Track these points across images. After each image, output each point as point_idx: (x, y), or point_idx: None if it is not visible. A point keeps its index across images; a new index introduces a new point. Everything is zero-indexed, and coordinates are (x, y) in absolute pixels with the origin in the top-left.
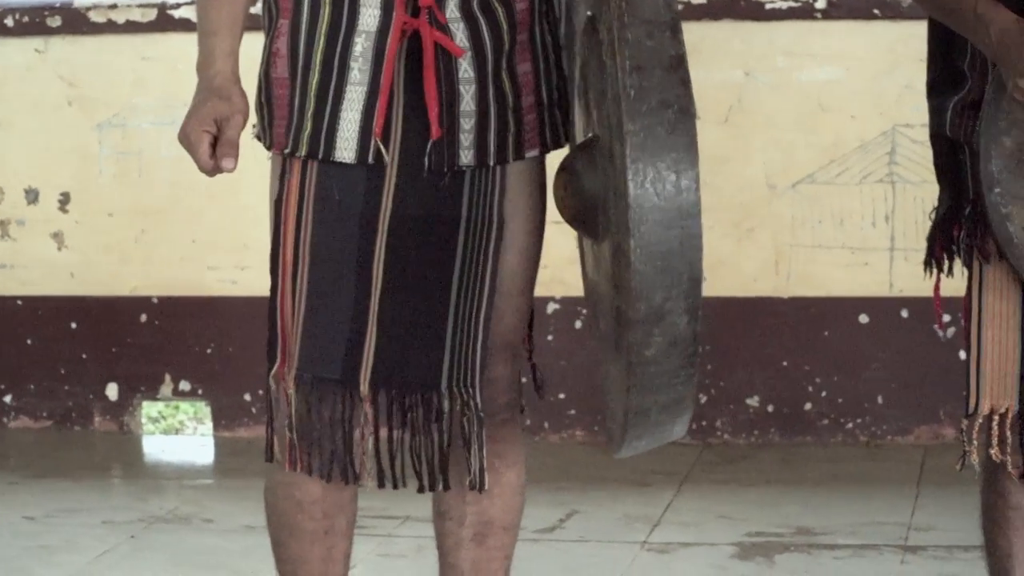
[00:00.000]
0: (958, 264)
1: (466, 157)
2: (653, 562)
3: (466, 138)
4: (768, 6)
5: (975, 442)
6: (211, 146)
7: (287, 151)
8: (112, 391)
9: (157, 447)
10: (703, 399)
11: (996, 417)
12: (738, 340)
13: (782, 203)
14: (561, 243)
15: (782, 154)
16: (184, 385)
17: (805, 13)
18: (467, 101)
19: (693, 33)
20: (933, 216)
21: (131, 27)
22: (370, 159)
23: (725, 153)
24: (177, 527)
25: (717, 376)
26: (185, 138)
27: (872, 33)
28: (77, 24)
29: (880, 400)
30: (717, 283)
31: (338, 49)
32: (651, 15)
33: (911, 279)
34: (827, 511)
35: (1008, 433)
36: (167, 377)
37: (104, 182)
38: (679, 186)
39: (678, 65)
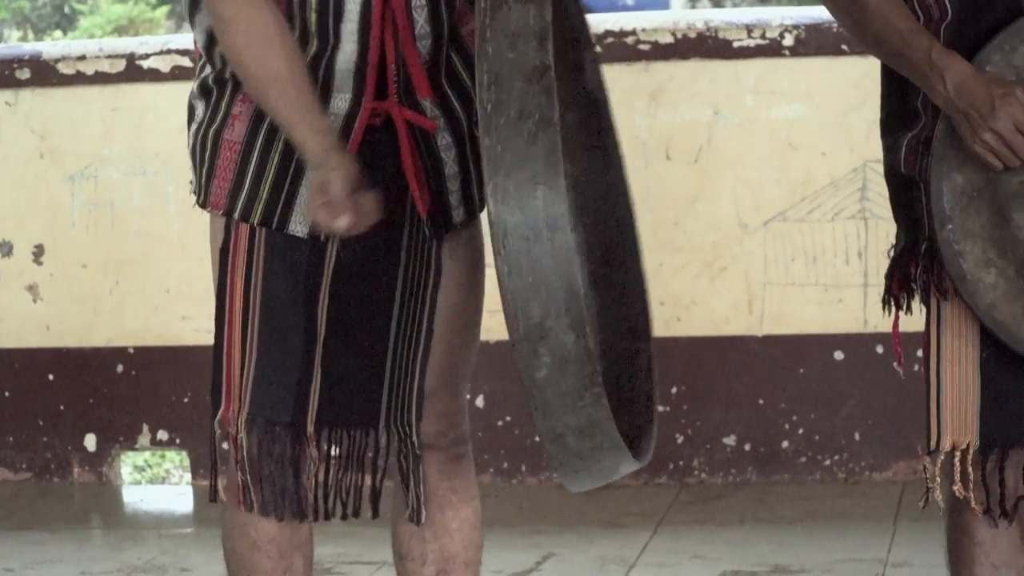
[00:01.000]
0: (917, 301)
1: (457, 216)
2: None
3: (455, 198)
4: (736, 44)
5: (938, 479)
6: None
7: (235, 215)
8: (90, 442)
9: (136, 497)
10: (679, 439)
11: (958, 453)
12: (713, 380)
13: (754, 242)
14: None
15: (753, 192)
16: (162, 435)
17: (772, 50)
18: (450, 165)
19: (661, 73)
20: (891, 253)
21: (100, 78)
22: (322, 237)
23: (695, 193)
24: None
25: (693, 416)
26: (313, 215)
27: (840, 69)
28: (46, 76)
29: (857, 436)
30: (690, 323)
31: None
32: (516, 26)
33: (886, 315)
34: (803, 549)
35: (970, 469)
36: (144, 427)
37: (77, 234)
38: (543, 198)
39: (541, 75)
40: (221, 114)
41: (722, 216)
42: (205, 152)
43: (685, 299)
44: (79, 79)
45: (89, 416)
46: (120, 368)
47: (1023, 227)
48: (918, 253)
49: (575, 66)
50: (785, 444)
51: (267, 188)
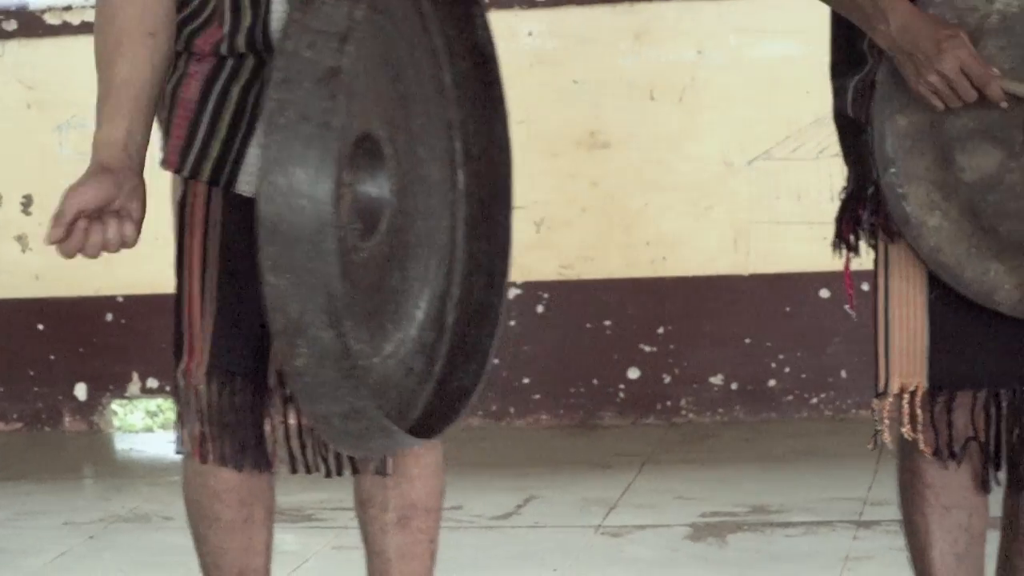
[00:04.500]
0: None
1: None
2: (606, 546)
3: None
4: None
5: (887, 421)
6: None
7: (185, 174)
8: (81, 391)
9: (127, 445)
10: (667, 379)
11: (906, 396)
12: (699, 319)
13: (739, 180)
14: (520, 228)
15: (737, 131)
16: (152, 383)
17: None
18: None
19: (644, 14)
20: (841, 196)
21: (86, 28)
22: None
23: (680, 132)
24: (136, 526)
25: (680, 355)
26: None
27: (823, 7)
28: (33, 27)
29: (844, 374)
30: (676, 262)
31: (257, 85)
32: (323, 24)
33: (836, 258)
34: (786, 488)
35: (919, 411)
36: (135, 375)
37: (66, 183)
38: (310, 200)
39: (332, 77)
40: (179, 72)
41: (707, 155)
42: (163, 111)
43: (671, 239)
44: (65, 29)
45: (79, 365)
46: (110, 317)
47: (966, 169)
48: (866, 196)
49: (464, 18)
50: (772, 382)
51: (217, 147)
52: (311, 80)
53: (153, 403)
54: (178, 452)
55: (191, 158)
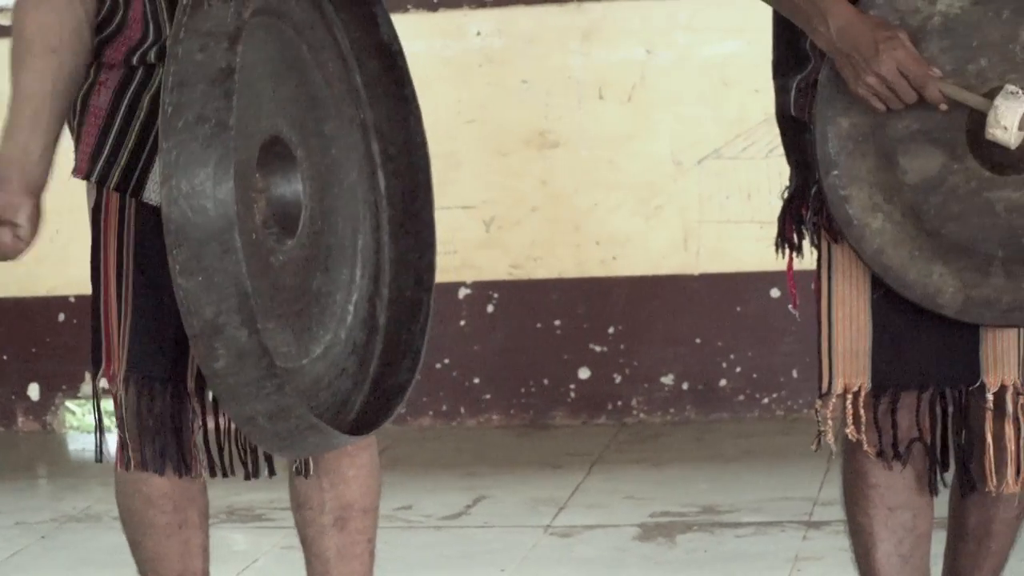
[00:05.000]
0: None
1: None
2: (554, 546)
3: None
4: None
5: (830, 422)
6: None
7: (93, 179)
8: (34, 391)
9: (80, 445)
10: (617, 379)
11: (850, 396)
12: (650, 318)
13: (689, 179)
14: (469, 228)
15: (687, 130)
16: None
17: None
18: None
19: (593, 13)
20: (784, 195)
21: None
22: None
23: (630, 131)
24: (88, 526)
25: (631, 355)
26: None
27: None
28: None
29: (795, 373)
30: (626, 262)
31: None
32: (212, 26)
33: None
34: (736, 488)
35: (862, 411)
36: (87, 375)
37: None
38: (213, 201)
39: (225, 77)
40: (90, 80)
41: (657, 154)
42: (75, 118)
43: (621, 238)
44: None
45: (32, 365)
46: (62, 317)
47: (909, 171)
48: (808, 195)
49: (367, 19)
50: (723, 382)
51: (126, 155)
52: (205, 81)
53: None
54: (97, 460)
55: (100, 165)
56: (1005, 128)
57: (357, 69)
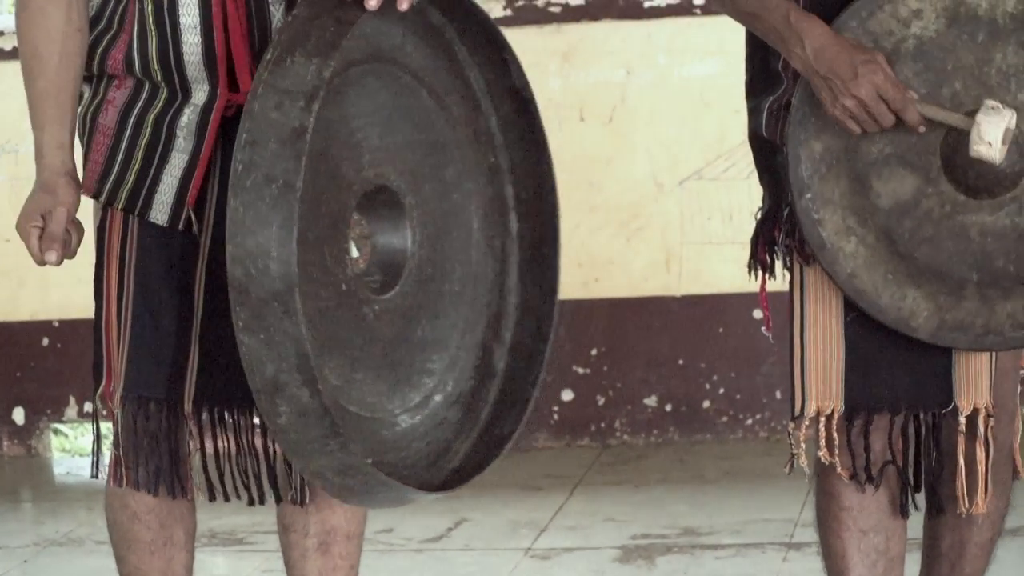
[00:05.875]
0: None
1: None
2: (534, 569)
3: None
4: (647, 4)
5: (803, 444)
6: (39, 239)
7: (102, 200)
8: (18, 415)
9: (64, 469)
10: (600, 400)
11: (823, 419)
12: (632, 340)
13: (670, 201)
14: None
15: (668, 151)
16: (89, 407)
17: (683, 9)
18: None
19: (572, 34)
20: (757, 216)
21: (17, 53)
22: (180, 226)
23: (610, 153)
24: (69, 550)
25: (613, 377)
26: (19, 231)
27: None
28: None
29: (778, 395)
30: (607, 284)
31: (169, 115)
32: (291, 84)
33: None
34: (716, 510)
35: (835, 435)
36: (71, 399)
37: (1, 208)
38: (277, 261)
39: (297, 138)
40: (99, 98)
41: (638, 176)
42: (83, 136)
43: (602, 259)
44: None
45: (16, 390)
46: (46, 341)
47: (882, 195)
48: (781, 217)
49: (500, 63)
50: (706, 404)
51: (133, 175)
52: (277, 141)
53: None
54: (93, 476)
55: (108, 185)
56: (989, 144)
57: (493, 111)
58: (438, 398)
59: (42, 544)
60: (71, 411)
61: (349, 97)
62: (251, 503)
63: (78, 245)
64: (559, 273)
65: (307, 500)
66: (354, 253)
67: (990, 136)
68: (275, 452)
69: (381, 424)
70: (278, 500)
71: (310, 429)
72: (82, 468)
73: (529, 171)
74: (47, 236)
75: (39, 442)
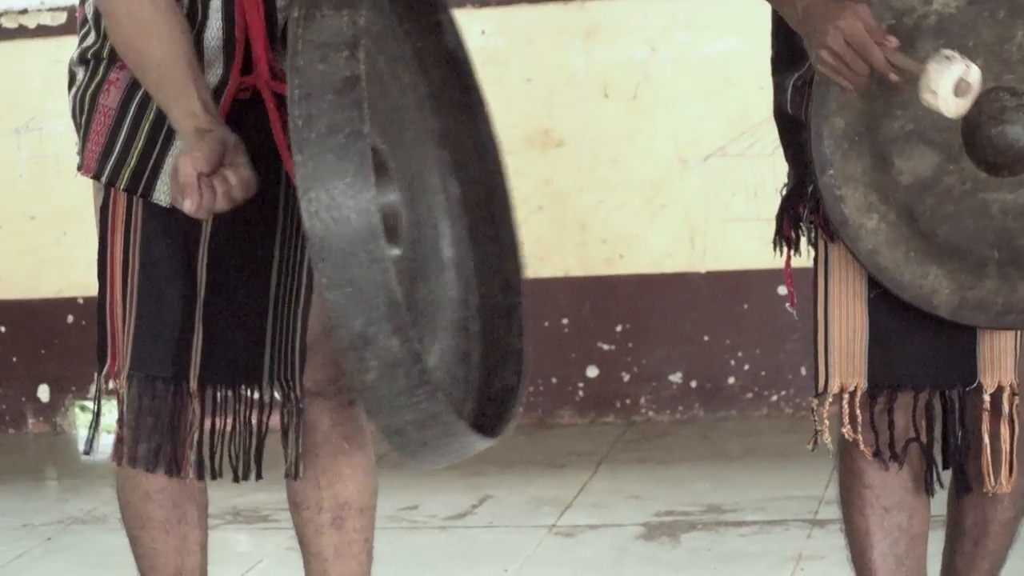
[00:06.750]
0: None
1: None
2: (557, 546)
3: None
4: None
5: (827, 421)
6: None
7: (104, 180)
8: (43, 393)
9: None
10: (625, 377)
11: (846, 396)
12: (657, 317)
13: (694, 177)
14: None
15: (692, 128)
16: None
17: None
18: None
19: (595, 12)
20: (783, 193)
21: (42, 31)
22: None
23: (634, 130)
24: (92, 527)
25: (638, 354)
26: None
27: None
28: None
29: (803, 371)
30: (632, 261)
31: None
32: (329, 36)
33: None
34: (740, 487)
35: (858, 412)
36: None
37: (24, 187)
38: (356, 211)
39: (352, 86)
40: (99, 78)
41: (661, 153)
42: (82, 115)
43: (626, 237)
44: (21, 33)
45: (41, 367)
46: (70, 319)
47: (904, 172)
48: (805, 193)
49: (433, 27)
50: (731, 380)
51: (136, 155)
52: (332, 92)
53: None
54: (85, 453)
55: (109, 165)
56: (934, 92)
57: (423, 77)
58: (448, 357)
59: (65, 522)
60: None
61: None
62: (236, 479)
63: (243, 185)
64: (516, 230)
65: (300, 473)
66: None
67: (936, 85)
68: (266, 428)
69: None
70: (258, 477)
71: (398, 380)
72: (107, 445)
73: (466, 135)
74: (179, 185)
75: (64, 419)
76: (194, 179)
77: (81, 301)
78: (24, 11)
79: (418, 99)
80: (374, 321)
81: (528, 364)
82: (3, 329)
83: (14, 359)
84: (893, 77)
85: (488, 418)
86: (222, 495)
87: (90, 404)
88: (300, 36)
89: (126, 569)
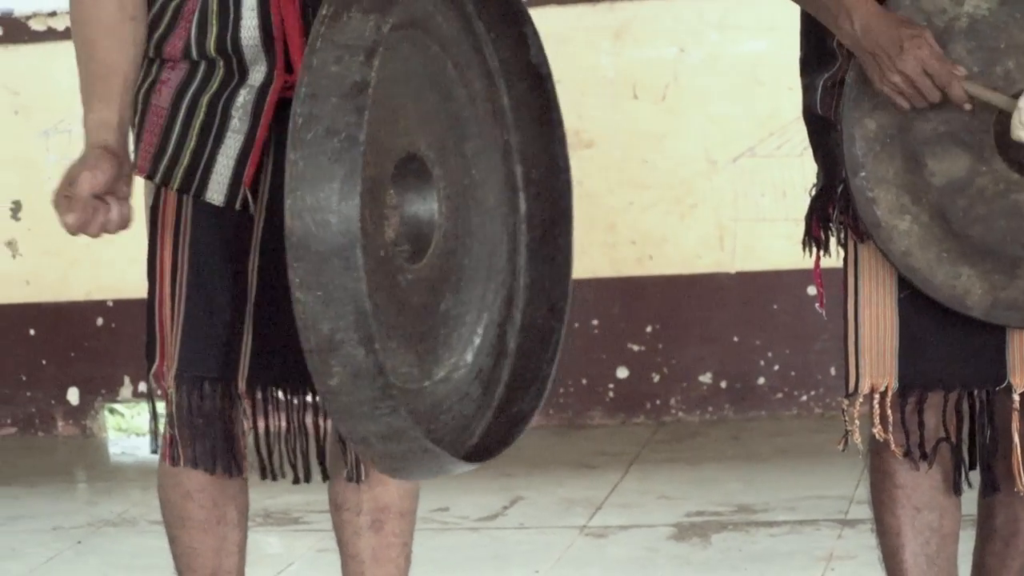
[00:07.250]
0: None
1: None
2: (588, 547)
3: None
4: None
5: (857, 422)
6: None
7: (156, 180)
8: (73, 395)
9: (119, 449)
10: (655, 378)
11: (876, 396)
12: (686, 317)
13: (723, 178)
14: None
15: (721, 129)
16: (144, 386)
17: None
18: None
19: (625, 12)
20: (812, 193)
21: (71, 34)
22: (237, 206)
23: (663, 130)
24: (123, 530)
25: (668, 354)
26: (53, 203)
27: None
28: (18, 33)
29: (833, 371)
30: (661, 261)
31: (224, 96)
32: (349, 39)
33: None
34: (771, 487)
35: (889, 412)
36: (126, 379)
37: (53, 189)
38: (338, 216)
39: (359, 92)
40: (151, 79)
41: (691, 153)
42: (135, 115)
43: (656, 237)
44: (50, 35)
45: (71, 370)
46: (100, 321)
47: (936, 173)
48: (835, 194)
49: (518, 39)
50: (761, 380)
51: (188, 155)
52: (338, 95)
53: (145, 407)
54: (153, 451)
55: (162, 165)
56: None
57: (505, 89)
58: (461, 372)
59: (96, 524)
60: (126, 391)
61: (387, 60)
62: (296, 481)
63: (121, 222)
64: (572, 254)
65: (363, 477)
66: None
67: None
68: (326, 430)
69: (411, 395)
70: (325, 478)
71: (362, 390)
72: (136, 448)
73: (541, 151)
74: (68, 199)
75: (93, 422)
76: (87, 195)
77: (111, 304)
78: (53, 13)
79: (493, 110)
80: (341, 328)
81: (547, 395)
82: (33, 332)
83: (44, 362)
84: (967, 107)
85: (491, 439)
86: (253, 497)
87: (128, 407)
88: (321, 34)
89: (156, 571)
